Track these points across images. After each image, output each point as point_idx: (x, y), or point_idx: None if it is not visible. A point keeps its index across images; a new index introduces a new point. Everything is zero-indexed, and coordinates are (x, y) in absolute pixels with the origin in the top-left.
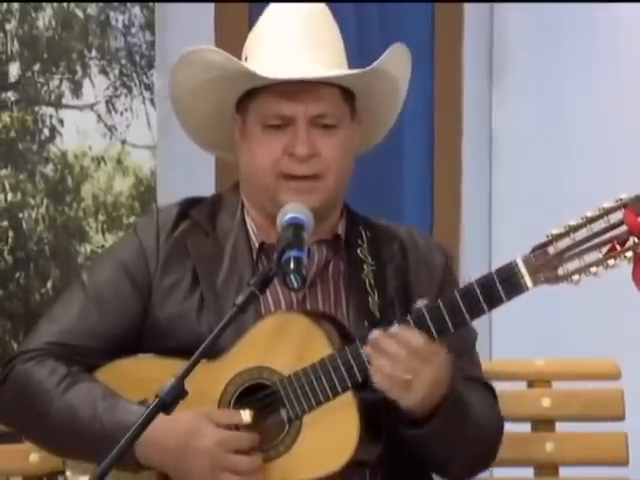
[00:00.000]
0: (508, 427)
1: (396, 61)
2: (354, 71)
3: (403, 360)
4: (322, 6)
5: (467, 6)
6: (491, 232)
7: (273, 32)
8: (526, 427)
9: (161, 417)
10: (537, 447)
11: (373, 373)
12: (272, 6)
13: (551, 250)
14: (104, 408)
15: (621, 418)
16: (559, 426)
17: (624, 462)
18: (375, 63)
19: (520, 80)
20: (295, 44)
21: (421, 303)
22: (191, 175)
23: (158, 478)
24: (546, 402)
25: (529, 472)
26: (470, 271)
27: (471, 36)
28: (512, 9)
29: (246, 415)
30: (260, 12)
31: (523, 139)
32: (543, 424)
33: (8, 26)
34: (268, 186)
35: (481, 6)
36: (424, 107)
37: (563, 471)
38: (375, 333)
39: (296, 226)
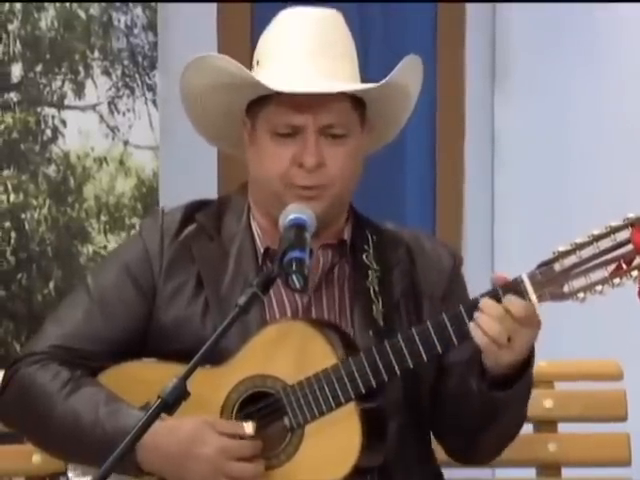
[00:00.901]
0: None
1: (409, 72)
2: (366, 86)
3: (506, 323)
4: (334, 12)
5: (469, 6)
6: (493, 232)
7: (285, 38)
8: (528, 428)
9: (163, 423)
10: (539, 448)
11: (475, 330)
12: (285, 11)
13: (557, 267)
14: (106, 413)
15: (623, 419)
16: (561, 427)
17: (626, 463)
18: (388, 77)
19: (522, 80)
20: (307, 52)
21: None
22: (193, 176)
23: None
24: (548, 403)
25: (531, 473)
26: (472, 272)
27: (473, 36)
28: (514, 9)
29: (249, 427)
30: (263, 12)
31: (525, 139)
32: (545, 425)
33: (10, 27)
34: (276, 192)
35: (483, 6)
36: (426, 107)
37: (565, 472)
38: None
39: (298, 227)
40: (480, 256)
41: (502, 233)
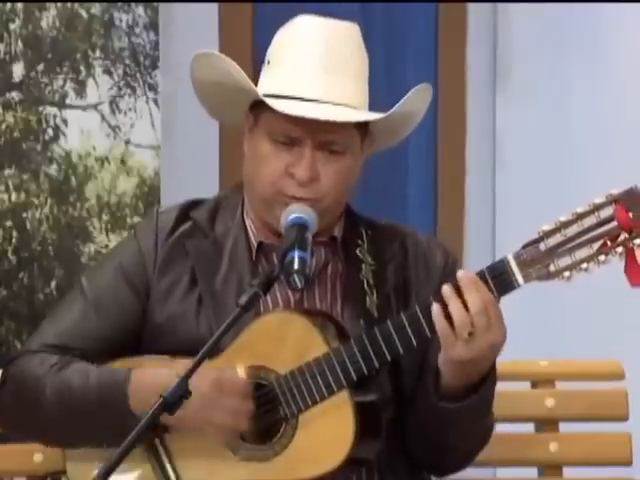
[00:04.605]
0: (512, 427)
1: (417, 100)
2: (370, 116)
3: (475, 313)
4: (352, 25)
5: (471, 6)
6: (495, 233)
7: (299, 47)
8: (530, 427)
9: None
10: (541, 447)
11: (438, 316)
12: (304, 17)
13: (542, 246)
14: (96, 375)
15: (625, 418)
16: (563, 426)
17: (628, 462)
18: (395, 107)
19: (524, 80)
20: (318, 67)
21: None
22: (195, 175)
23: (147, 449)
24: (550, 402)
25: (533, 472)
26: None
27: (474, 36)
28: (515, 9)
29: (241, 371)
30: (264, 12)
31: (527, 140)
32: (547, 424)
33: (12, 26)
34: (265, 197)
35: (484, 6)
36: (428, 107)
37: (567, 471)
38: (461, 274)
39: (300, 226)
40: (481, 256)
41: (503, 233)
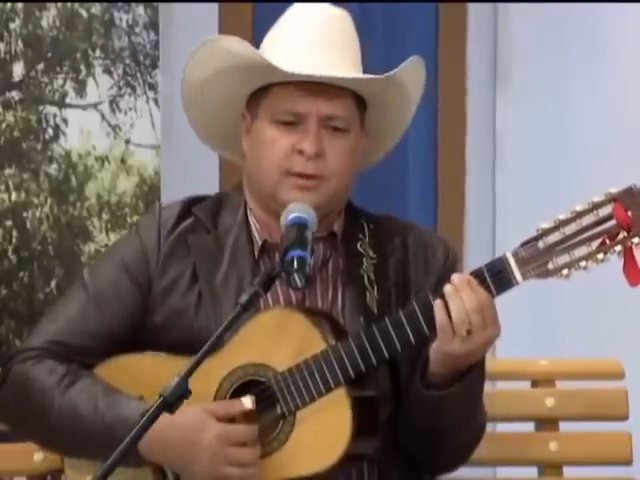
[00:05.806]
0: (512, 427)
1: (412, 74)
2: (373, 76)
3: (472, 312)
4: (343, 12)
5: (471, 6)
6: (495, 233)
7: (292, 32)
8: (530, 427)
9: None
10: (541, 447)
11: (439, 310)
12: (295, 6)
13: (541, 244)
14: (105, 405)
15: (625, 418)
16: (563, 425)
17: (628, 461)
18: (394, 71)
19: (524, 80)
20: (314, 46)
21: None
22: (195, 175)
23: (155, 475)
24: (550, 402)
25: (533, 472)
26: None
27: (475, 36)
28: (516, 9)
29: (248, 402)
30: (264, 12)
31: (527, 139)
32: (547, 424)
33: (12, 25)
34: (272, 182)
35: (485, 6)
36: (428, 107)
37: (567, 471)
38: (454, 276)
39: (300, 226)
40: (481, 256)
41: (503, 233)
